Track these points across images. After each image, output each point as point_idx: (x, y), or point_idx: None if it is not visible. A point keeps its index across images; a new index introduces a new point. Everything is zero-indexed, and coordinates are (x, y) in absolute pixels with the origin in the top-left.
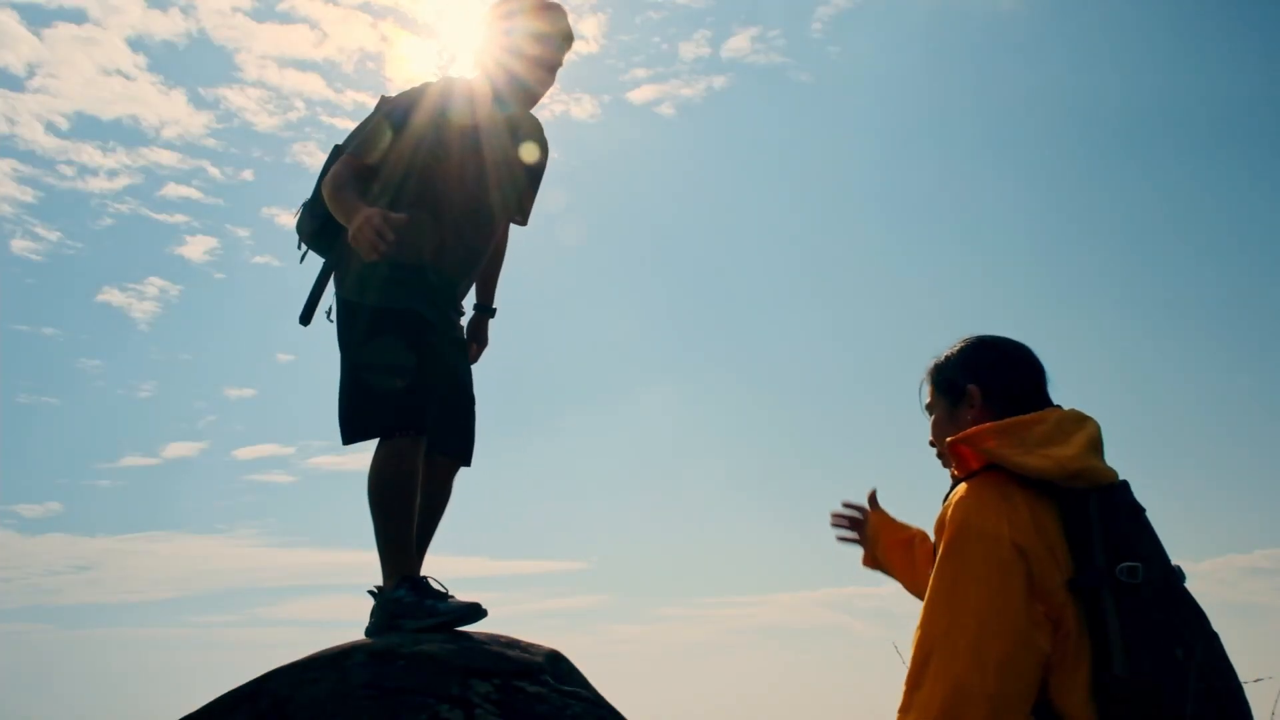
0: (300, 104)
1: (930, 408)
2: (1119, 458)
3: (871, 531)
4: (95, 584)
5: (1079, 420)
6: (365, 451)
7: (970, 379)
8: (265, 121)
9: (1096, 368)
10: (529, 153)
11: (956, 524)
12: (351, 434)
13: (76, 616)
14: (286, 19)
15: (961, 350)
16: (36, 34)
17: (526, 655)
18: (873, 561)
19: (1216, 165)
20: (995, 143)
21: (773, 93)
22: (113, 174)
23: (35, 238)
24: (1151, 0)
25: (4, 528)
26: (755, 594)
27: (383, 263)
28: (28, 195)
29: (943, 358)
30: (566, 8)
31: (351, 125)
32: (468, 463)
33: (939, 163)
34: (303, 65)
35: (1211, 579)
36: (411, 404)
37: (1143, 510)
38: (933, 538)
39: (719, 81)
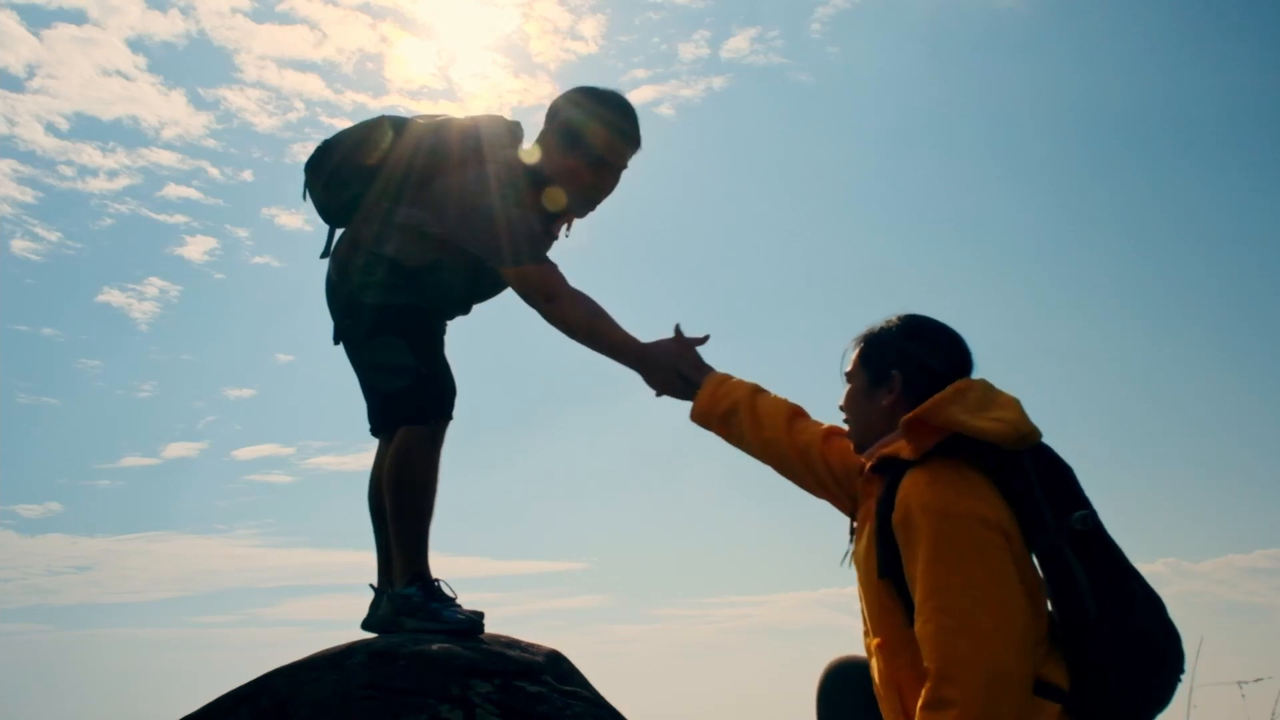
0: (300, 104)
1: (850, 376)
2: (1119, 457)
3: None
4: (95, 584)
5: (993, 387)
6: (365, 451)
7: (897, 365)
8: (265, 122)
9: (1097, 368)
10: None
11: (933, 512)
12: (379, 426)
13: (76, 617)
14: (286, 20)
15: (898, 330)
16: (36, 34)
17: (527, 655)
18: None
19: (1217, 165)
20: (995, 143)
21: (772, 93)
22: (113, 174)
23: (35, 238)
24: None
25: (4, 528)
26: (755, 594)
27: (387, 262)
28: (28, 195)
29: (877, 330)
30: (567, 9)
31: (349, 124)
32: None
33: (938, 163)
34: (302, 66)
35: (1211, 579)
36: (425, 396)
37: (1064, 461)
38: (857, 517)
39: (718, 82)
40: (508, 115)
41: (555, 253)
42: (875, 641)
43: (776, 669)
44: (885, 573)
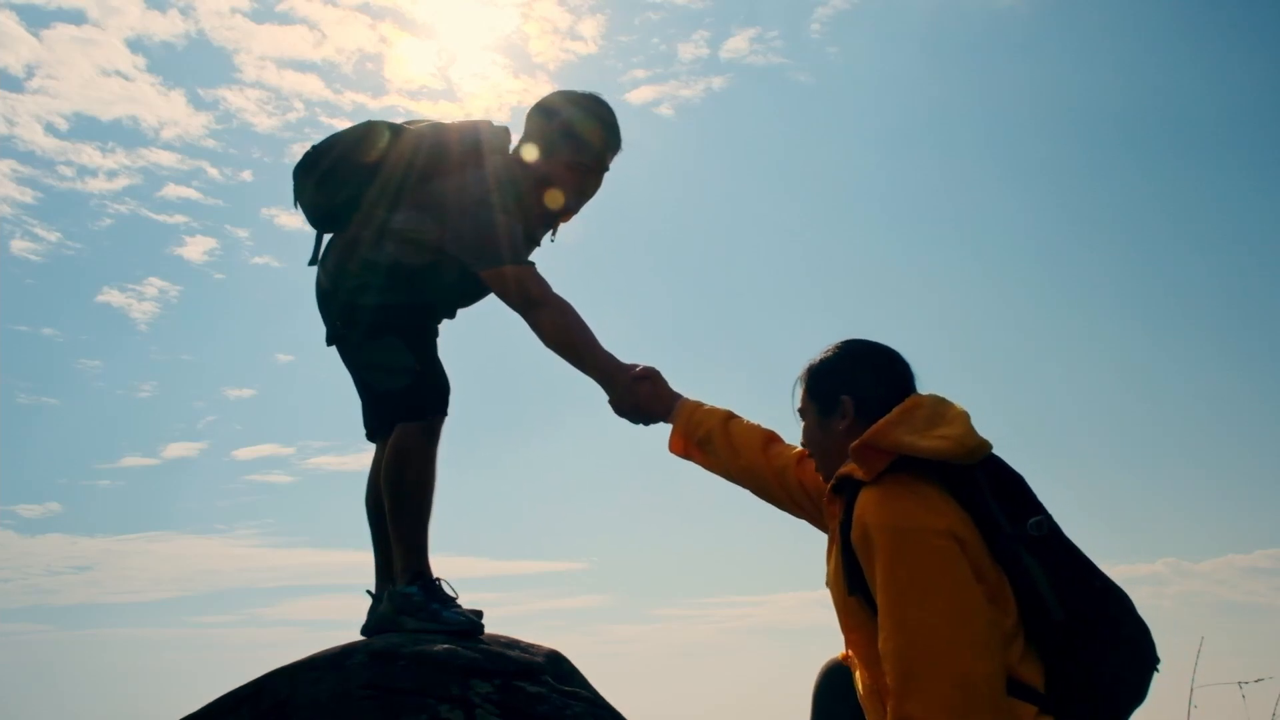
0: (299, 105)
1: (802, 413)
2: (1119, 457)
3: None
4: (95, 584)
5: (945, 401)
6: (365, 452)
7: (844, 390)
8: (264, 122)
9: (1097, 367)
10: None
11: (887, 529)
12: (379, 427)
13: (76, 617)
14: (285, 20)
15: (837, 358)
16: (36, 35)
17: (527, 655)
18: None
19: (1217, 165)
20: (994, 143)
21: (772, 93)
22: (112, 174)
23: (35, 238)
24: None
25: (4, 528)
26: (755, 594)
27: (385, 266)
28: (27, 196)
29: (818, 362)
30: (566, 9)
31: (349, 124)
32: None
33: (938, 163)
34: (302, 66)
35: (1211, 579)
36: (423, 395)
37: (1015, 471)
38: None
39: (718, 82)
40: (507, 116)
41: (555, 252)
42: (855, 654)
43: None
44: (854, 590)
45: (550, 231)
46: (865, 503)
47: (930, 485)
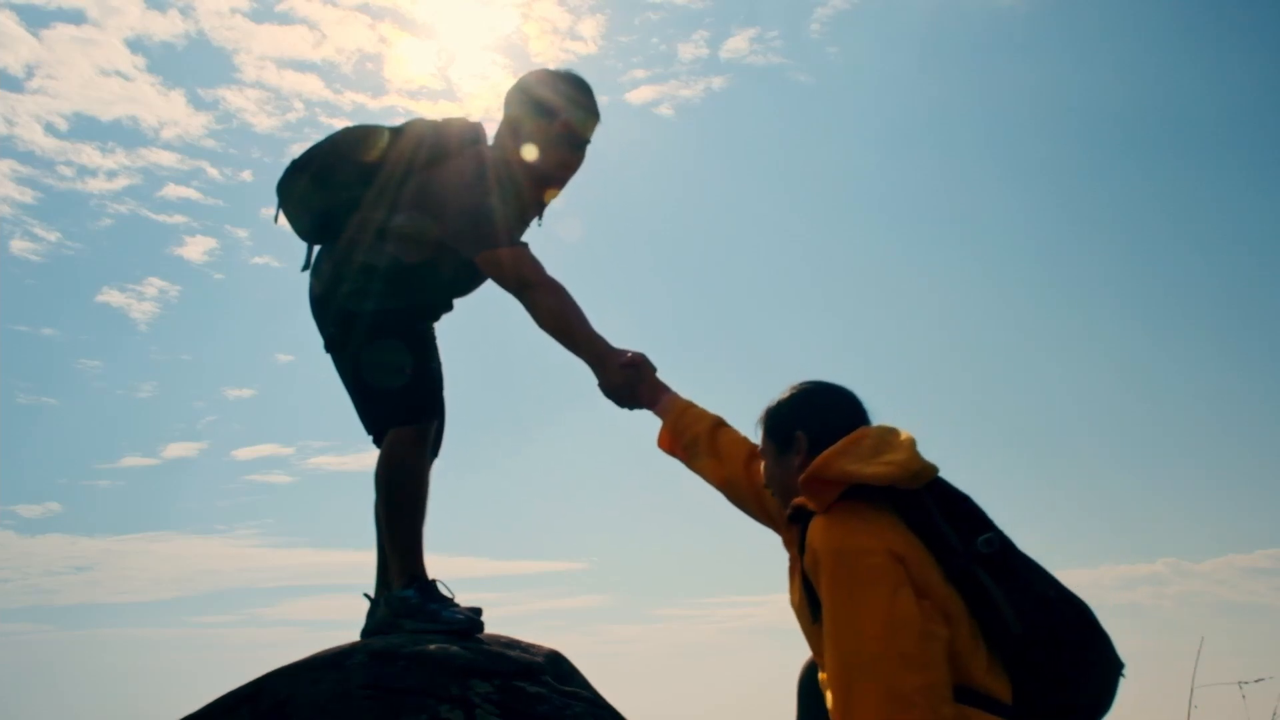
0: (299, 105)
1: (763, 452)
2: (1119, 457)
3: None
4: (94, 584)
5: (893, 430)
6: (365, 452)
7: (798, 426)
8: (264, 122)
9: (1097, 368)
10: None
11: (830, 552)
12: (375, 430)
13: (76, 617)
14: (285, 20)
15: (791, 398)
16: (35, 35)
17: (527, 655)
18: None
19: (1216, 165)
20: (994, 143)
21: (771, 93)
22: (112, 174)
23: (35, 238)
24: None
25: (3, 528)
26: (755, 594)
27: (383, 269)
28: (27, 196)
29: (774, 404)
30: (566, 10)
31: (348, 124)
32: (436, 454)
33: (938, 163)
34: (301, 66)
35: (1211, 579)
36: (419, 396)
37: (962, 492)
38: (798, 571)
39: (718, 82)
40: None
41: (555, 252)
42: (824, 676)
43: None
44: (817, 618)
45: (539, 212)
46: (814, 530)
47: (878, 510)
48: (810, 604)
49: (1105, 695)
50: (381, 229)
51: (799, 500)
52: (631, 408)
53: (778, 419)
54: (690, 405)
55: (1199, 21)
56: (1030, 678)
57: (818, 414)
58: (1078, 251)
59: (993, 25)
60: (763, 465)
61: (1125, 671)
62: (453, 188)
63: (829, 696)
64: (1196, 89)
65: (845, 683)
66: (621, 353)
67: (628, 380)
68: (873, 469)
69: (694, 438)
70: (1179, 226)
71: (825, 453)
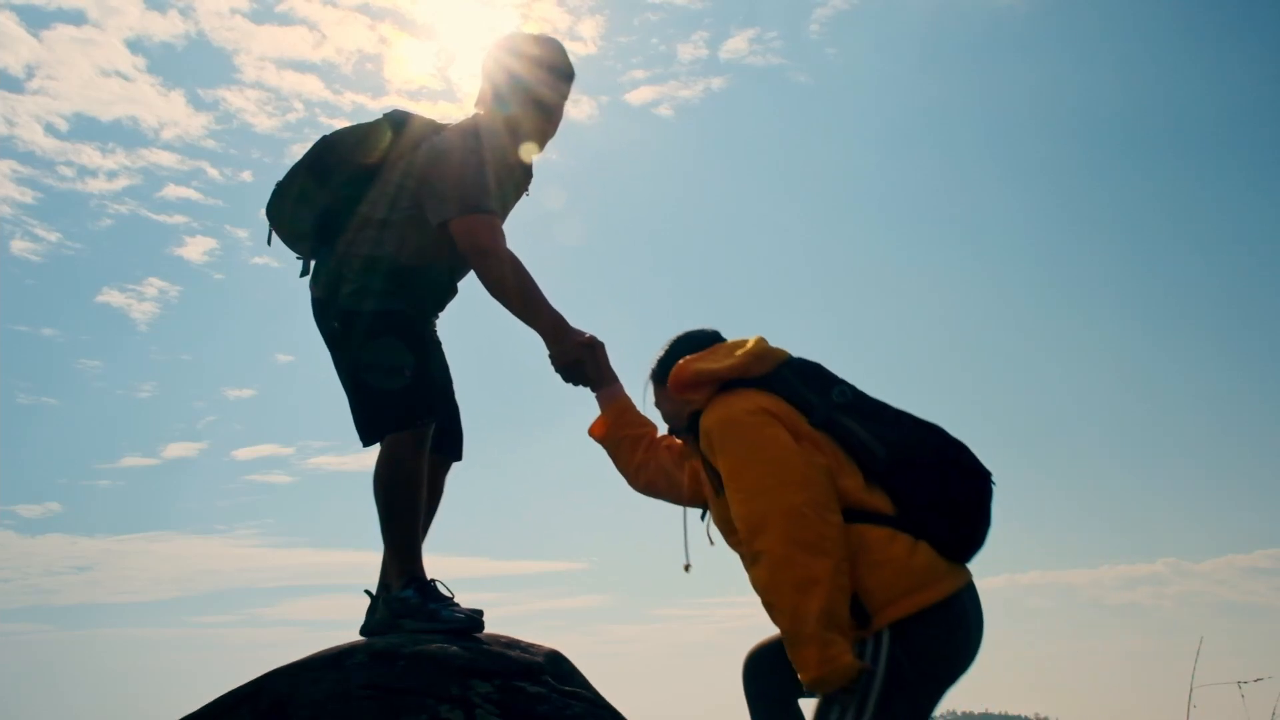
0: (299, 105)
1: (657, 403)
2: (1120, 457)
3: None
4: (94, 584)
5: (744, 338)
6: (365, 452)
7: (672, 363)
8: (264, 123)
9: (1097, 367)
10: (528, 152)
11: (716, 422)
12: (369, 436)
13: (76, 617)
14: (285, 21)
15: (666, 347)
16: (35, 35)
17: (527, 655)
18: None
19: (1216, 165)
20: (994, 143)
21: (771, 94)
22: (112, 175)
23: (35, 238)
24: (1151, 0)
25: (4, 528)
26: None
27: (384, 267)
28: (27, 196)
29: (654, 358)
30: (566, 10)
31: (348, 124)
32: (459, 457)
33: (937, 162)
34: (301, 66)
35: (1211, 579)
36: (417, 397)
37: (814, 361)
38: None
39: (717, 83)
40: None
41: (556, 251)
42: (745, 549)
43: None
44: (721, 490)
45: (527, 179)
46: (702, 420)
47: (746, 389)
48: (713, 480)
49: (978, 496)
50: (384, 220)
51: (689, 413)
52: (577, 384)
53: (657, 365)
54: (629, 404)
55: (1199, 22)
56: (906, 489)
57: (685, 349)
58: (1078, 251)
59: (992, 26)
60: (661, 414)
61: (995, 479)
62: (445, 151)
63: (751, 574)
64: (1196, 90)
65: (754, 519)
66: (579, 332)
67: (581, 357)
68: (726, 363)
69: (637, 437)
70: (1179, 227)
71: (682, 359)
